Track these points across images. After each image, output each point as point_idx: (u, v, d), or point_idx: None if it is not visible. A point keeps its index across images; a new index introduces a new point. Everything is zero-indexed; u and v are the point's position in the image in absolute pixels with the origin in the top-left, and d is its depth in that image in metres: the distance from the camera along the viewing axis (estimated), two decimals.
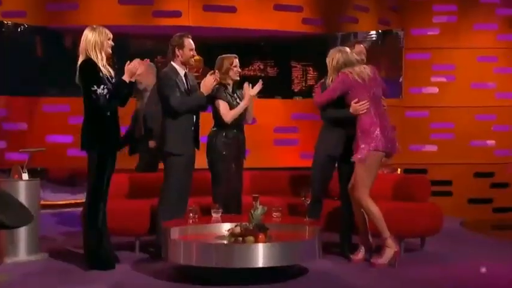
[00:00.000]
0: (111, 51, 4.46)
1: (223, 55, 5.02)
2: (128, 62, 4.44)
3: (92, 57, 4.38)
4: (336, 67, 4.71)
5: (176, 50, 4.81)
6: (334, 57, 4.73)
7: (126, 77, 4.42)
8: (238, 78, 5.02)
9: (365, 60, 4.93)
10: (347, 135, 4.80)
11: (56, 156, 6.85)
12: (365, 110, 4.59)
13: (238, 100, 4.97)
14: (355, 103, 4.61)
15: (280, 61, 8.75)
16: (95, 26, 4.46)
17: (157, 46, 8.11)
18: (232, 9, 7.31)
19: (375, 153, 4.58)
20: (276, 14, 7.35)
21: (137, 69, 4.41)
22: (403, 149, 8.23)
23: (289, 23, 7.41)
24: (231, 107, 4.89)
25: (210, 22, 7.22)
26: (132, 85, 4.46)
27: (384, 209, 4.70)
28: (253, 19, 7.34)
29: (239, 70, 4.99)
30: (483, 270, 4.79)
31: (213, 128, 4.96)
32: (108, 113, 4.43)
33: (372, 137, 4.57)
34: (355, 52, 4.88)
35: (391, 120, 8.26)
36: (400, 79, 7.82)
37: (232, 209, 4.89)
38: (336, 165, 4.96)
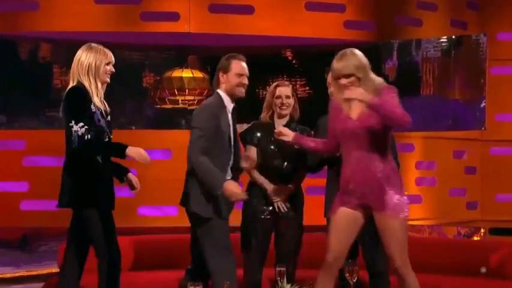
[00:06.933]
0: (109, 80, 4.50)
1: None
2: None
3: (85, 84, 4.45)
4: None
5: (220, 75, 4.86)
6: (363, 57, 4.44)
7: (131, 153, 4.45)
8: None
9: None
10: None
11: (5, 211, 6.84)
12: None
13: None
14: None
15: (313, 79, 8.74)
16: (92, 45, 4.49)
17: (146, 60, 8.14)
18: (248, 10, 7.29)
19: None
20: (308, 16, 7.40)
21: (145, 161, 4.47)
22: (488, 200, 8.10)
23: (327, 28, 7.44)
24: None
25: (218, 28, 7.20)
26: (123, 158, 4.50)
27: None
28: (277, 23, 7.31)
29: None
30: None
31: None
32: (100, 159, 4.44)
33: (402, 183, 4.47)
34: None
35: (470, 160, 8.11)
36: (483, 103, 7.74)
37: None
38: None
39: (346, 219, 4.47)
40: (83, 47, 4.52)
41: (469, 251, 5.80)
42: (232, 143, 4.81)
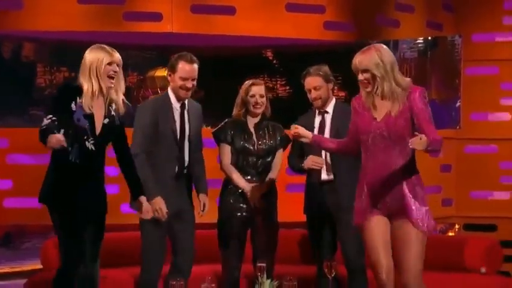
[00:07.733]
0: (110, 84, 4.34)
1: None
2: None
3: (81, 82, 4.36)
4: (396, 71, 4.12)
5: (168, 74, 4.84)
6: (388, 55, 4.10)
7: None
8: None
9: None
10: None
11: None
12: None
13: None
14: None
15: (294, 78, 8.82)
16: (101, 46, 4.43)
17: (129, 59, 8.20)
18: (229, 11, 7.27)
19: None
20: (288, 17, 7.40)
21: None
22: (462, 197, 8.20)
23: (307, 29, 7.47)
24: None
25: (200, 28, 7.18)
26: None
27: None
28: (258, 24, 7.28)
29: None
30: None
31: None
32: (72, 159, 4.32)
33: (425, 193, 4.21)
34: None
35: (446, 158, 8.24)
36: (458, 102, 7.85)
37: None
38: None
39: (381, 230, 4.16)
40: (91, 47, 4.44)
41: (444, 247, 5.93)
42: (178, 139, 4.76)
